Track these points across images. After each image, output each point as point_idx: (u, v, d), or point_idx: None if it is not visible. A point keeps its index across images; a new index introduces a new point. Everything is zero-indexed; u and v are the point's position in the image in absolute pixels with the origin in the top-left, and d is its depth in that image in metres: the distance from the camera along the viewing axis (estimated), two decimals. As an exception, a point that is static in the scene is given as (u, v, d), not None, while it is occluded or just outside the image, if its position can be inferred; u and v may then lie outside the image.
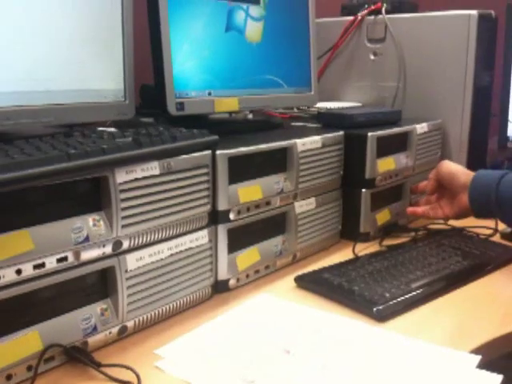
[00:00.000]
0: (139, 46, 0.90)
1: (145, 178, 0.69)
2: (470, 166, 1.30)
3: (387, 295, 0.79)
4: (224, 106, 0.99)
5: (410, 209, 1.12)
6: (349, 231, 1.08)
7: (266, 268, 0.91)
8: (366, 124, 1.11)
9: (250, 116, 1.20)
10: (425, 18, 1.31)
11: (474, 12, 1.24)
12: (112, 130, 0.92)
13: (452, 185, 1.02)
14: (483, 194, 0.94)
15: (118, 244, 0.67)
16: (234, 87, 1.01)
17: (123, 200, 0.67)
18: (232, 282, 0.85)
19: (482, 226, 1.11)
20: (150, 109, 1.06)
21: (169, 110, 0.90)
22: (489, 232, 1.10)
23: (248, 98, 1.03)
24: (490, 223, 1.16)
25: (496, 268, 0.94)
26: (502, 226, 1.14)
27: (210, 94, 0.97)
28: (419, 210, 1.10)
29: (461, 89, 1.27)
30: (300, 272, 0.91)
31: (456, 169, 1.03)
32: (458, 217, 1.04)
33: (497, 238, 1.09)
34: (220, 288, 0.83)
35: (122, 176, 0.67)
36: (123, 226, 0.68)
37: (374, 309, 0.76)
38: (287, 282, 0.89)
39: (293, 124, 1.19)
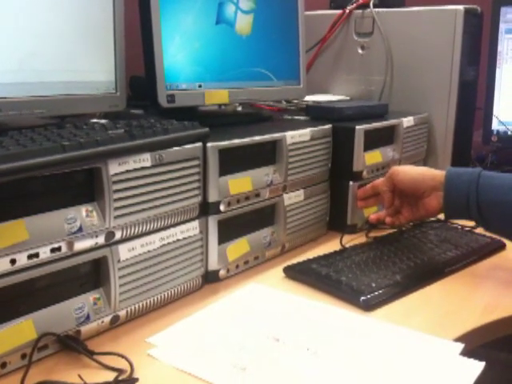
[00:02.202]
0: (129, 38, 0.90)
1: (137, 169, 0.70)
2: (455, 158, 1.32)
3: (373, 285, 0.81)
4: (214, 99, 1.00)
5: (374, 216, 1.05)
6: (336, 223, 1.10)
7: (255, 259, 0.92)
8: (354, 117, 1.13)
9: (240, 108, 1.21)
10: (412, 13, 1.32)
11: (460, 7, 1.26)
12: (103, 121, 0.93)
13: (417, 190, 0.94)
14: (461, 197, 0.87)
15: (110, 234, 0.68)
16: (225, 80, 1.02)
17: (116, 191, 0.68)
18: (222, 273, 0.86)
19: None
20: (140, 100, 1.07)
21: (159, 102, 0.91)
22: (472, 224, 1.12)
23: (238, 91, 1.04)
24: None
25: (479, 259, 0.96)
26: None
27: (200, 86, 0.97)
28: (383, 216, 1.03)
29: (447, 83, 1.29)
30: (289, 263, 0.93)
31: (417, 173, 0.95)
32: (422, 219, 1.00)
33: (480, 230, 1.12)
34: (210, 278, 0.85)
35: (114, 167, 0.67)
36: (116, 217, 0.68)
37: (361, 298, 0.78)
38: (276, 272, 0.91)
39: (282, 117, 1.20)
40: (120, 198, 0.69)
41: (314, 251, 1.00)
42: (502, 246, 1.02)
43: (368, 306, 0.78)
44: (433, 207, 0.93)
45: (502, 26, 1.40)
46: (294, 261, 0.94)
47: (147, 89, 0.93)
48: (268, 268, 0.93)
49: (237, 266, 0.89)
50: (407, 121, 1.21)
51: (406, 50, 1.33)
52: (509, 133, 1.43)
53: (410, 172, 0.97)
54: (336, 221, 1.10)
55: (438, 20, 1.28)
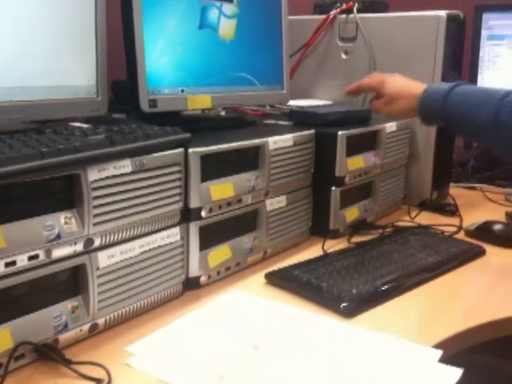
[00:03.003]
0: (111, 41, 0.90)
1: (117, 175, 0.70)
2: (438, 163, 1.33)
3: (354, 292, 0.81)
4: (197, 103, 1.00)
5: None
6: (319, 228, 1.10)
7: (236, 265, 0.92)
8: (337, 122, 1.13)
9: (223, 113, 1.21)
10: (395, 19, 1.33)
11: (442, 13, 1.27)
12: (84, 125, 0.92)
13: (398, 98, 1.06)
14: (431, 112, 0.99)
15: (89, 242, 0.68)
16: (207, 84, 1.02)
17: (95, 198, 0.67)
18: (203, 279, 0.86)
19: (447, 224, 1.15)
20: (122, 104, 1.06)
21: (141, 107, 0.90)
22: (453, 230, 1.14)
23: (221, 96, 1.04)
24: (455, 221, 1.20)
25: (459, 265, 0.97)
26: (465, 224, 1.18)
27: (183, 91, 0.97)
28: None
29: (429, 89, 1.30)
30: (270, 269, 0.93)
31: (402, 86, 1.06)
32: (394, 114, 1.10)
33: (461, 236, 1.13)
34: (191, 285, 0.84)
35: (94, 174, 0.67)
36: (95, 224, 0.68)
37: (341, 305, 0.78)
38: (258, 278, 0.90)
39: (265, 122, 1.20)
40: (99, 205, 0.68)
41: (297, 257, 1.00)
42: (482, 252, 1.03)
43: (348, 313, 0.78)
44: (407, 111, 1.05)
45: (484, 33, 1.42)
46: (276, 267, 0.94)
47: (129, 93, 0.92)
48: (250, 274, 0.93)
49: (218, 273, 0.88)
50: (390, 126, 1.22)
51: (389, 56, 1.34)
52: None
53: (397, 82, 1.08)
54: (319, 226, 1.10)
55: (420, 25, 1.29)
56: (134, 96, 0.90)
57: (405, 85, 1.06)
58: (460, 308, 0.82)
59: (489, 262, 1.01)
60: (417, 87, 1.03)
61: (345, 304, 0.78)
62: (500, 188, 1.48)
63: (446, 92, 0.96)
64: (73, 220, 0.66)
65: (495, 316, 0.79)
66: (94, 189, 0.67)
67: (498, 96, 0.89)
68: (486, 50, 1.42)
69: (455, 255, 0.99)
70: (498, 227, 1.10)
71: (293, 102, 1.32)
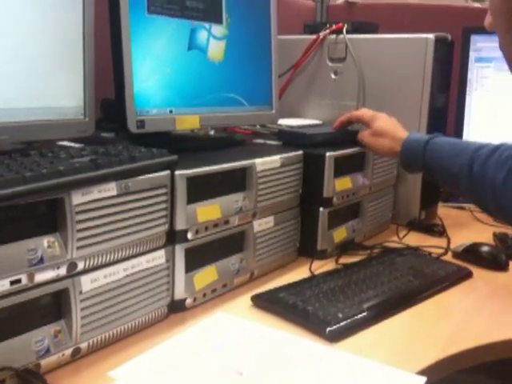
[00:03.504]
0: (101, 59, 0.90)
1: (101, 199, 0.69)
2: (426, 184, 1.34)
3: (340, 316, 0.81)
4: (185, 124, 1.00)
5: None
6: (307, 248, 1.10)
7: (223, 286, 0.92)
8: (325, 143, 1.14)
9: (212, 132, 1.21)
10: (384, 40, 1.34)
11: (431, 36, 1.28)
12: (71, 145, 0.93)
13: (385, 137, 1.09)
14: (412, 161, 1.03)
15: (72, 266, 0.67)
16: (196, 105, 1.02)
17: (79, 221, 0.67)
18: (189, 302, 0.85)
19: (435, 246, 1.15)
20: (112, 123, 1.06)
21: (129, 128, 0.90)
22: (440, 251, 1.14)
23: (209, 116, 1.04)
24: (443, 242, 1.21)
25: (446, 288, 0.97)
26: (453, 245, 1.18)
27: (171, 111, 0.97)
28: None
29: (417, 109, 1.31)
30: (257, 290, 0.93)
31: (388, 126, 1.09)
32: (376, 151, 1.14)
33: (448, 257, 1.13)
34: (176, 307, 0.84)
35: (78, 197, 0.67)
36: (78, 248, 0.67)
37: (327, 329, 0.78)
38: (244, 300, 0.90)
39: (254, 141, 1.20)
40: (83, 229, 0.68)
41: (284, 278, 1.00)
42: (469, 274, 1.03)
43: (334, 337, 0.78)
44: (389, 151, 1.08)
45: (472, 54, 1.43)
46: (263, 288, 0.94)
47: (117, 113, 0.92)
48: (236, 296, 0.92)
49: (204, 295, 0.88)
50: (378, 147, 1.22)
51: (377, 77, 1.35)
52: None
53: (385, 121, 1.11)
54: (306, 246, 1.10)
55: (409, 47, 1.30)
56: (122, 116, 0.90)
57: (391, 126, 1.09)
58: (444, 333, 0.82)
59: (475, 284, 1.01)
60: (400, 132, 1.07)
61: (330, 328, 0.78)
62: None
63: (426, 141, 0.99)
64: (56, 244, 0.66)
65: (478, 342, 0.79)
66: (78, 212, 0.67)
67: (472, 148, 0.92)
68: (474, 72, 1.43)
69: (442, 278, 0.99)
70: (485, 249, 1.10)
71: (282, 121, 1.33)
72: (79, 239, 0.67)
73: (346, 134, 1.20)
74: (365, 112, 1.16)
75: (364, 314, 0.83)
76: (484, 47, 1.41)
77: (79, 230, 0.67)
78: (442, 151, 0.98)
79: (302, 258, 1.10)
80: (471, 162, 0.91)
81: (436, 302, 0.93)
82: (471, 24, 1.52)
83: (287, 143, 1.15)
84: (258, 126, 1.37)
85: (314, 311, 0.82)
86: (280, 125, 1.30)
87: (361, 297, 0.88)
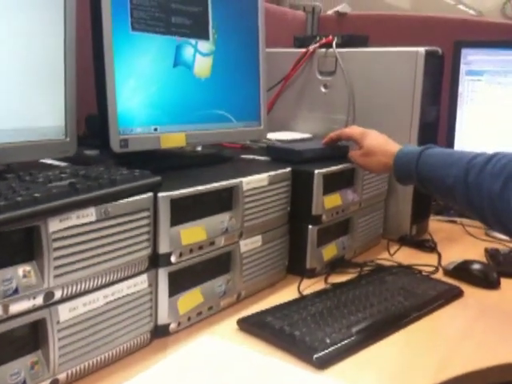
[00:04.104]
0: (86, 73, 0.88)
1: (80, 225, 0.67)
2: (416, 198, 1.32)
3: (328, 341, 0.79)
4: (171, 142, 0.98)
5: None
6: (295, 266, 1.08)
7: (209, 309, 0.90)
8: (314, 159, 1.12)
9: (200, 148, 1.19)
10: (374, 54, 1.33)
11: (421, 49, 1.27)
12: (53, 163, 0.91)
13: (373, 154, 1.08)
14: (405, 174, 1.02)
15: (49, 295, 0.65)
16: (182, 122, 1.00)
17: (56, 249, 0.65)
18: (173, 326, 0.83)
19: (426, 264, 1.13)
20: (96, 139, 1.04)
21: (112, 147, 0.88)
22: (431, 269, 1.12)
23: (196, 133, 1.02)
24: (435, 258, 1.19)
25: (436, 308, 0.95)
26: (445, 261, 1.17)
27: (156, 129, 0.95)
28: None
29: (407, 123, 1.30)
30: (244, 312, 0.91)
31: (379, 144, 1.08)
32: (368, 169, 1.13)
33: (439, 275, 1.11)
34: (160, 333, 0.82)
35: (55, 225, 0.64)
36: (56, 276, 0.65)
37: (314, 356, 0.76)
38: (230, 323, 0.88)
39: (242, 156, 1.18)
40: (61, 257, 0.66)
41: (272, 298, 0.98)
42: (460, 293, 1.02)
43: (321, 364, 0.76)
44: (383, 168, 1.08)
45: (463, 68, 1.42)
46: (251, 309, 0.92)
47: (101, 132, 0.90)
48: (222, 318, 0.90)
49: (189, 319, 0.86)
50: (368, 162, 1.20)
51: (367, 90, 1.33)
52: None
53: (376, 138, 1.10)
54: (295, 264, 1.08)
55: (399, 61, 1.29)
56: (105, 135, 0.88)
57: (381, 142, 1.08)
58: (435, 357, 0.81)
59: (466, 304, 1.00)
60: (392, 146, 1.06)
61: (317, 355, 0.76)
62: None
63: (419, 153, 0.98)
64: (32, 273, 0.64)
65: (468, 368, 0.78)
66: (55, 240, 0.65)
67: (466, 158, 0.91)
68: (465, 85, 1.42)
69: (432, 298, 0.97)
70: (476, 267, 1.09)
71: (272, 135, 1.31)
72: (56, 267, 0.65)
73: (336, 150, 1.19)
74: (354, 130, 1.14)
75: (352, 338, 0.81)
76: (475, 60, 1.40)
77: (56, 258, 0.65)
78: (435, 162, 0.96)
79: (290, 276, 1.08)
80: (466, 172, 0.89)
81: (426, 323, 0.91)
82: (462, 35, 1.51)
83: (276, 159, 1.13)
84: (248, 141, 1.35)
85: (300, 337, 0.80)
86: (269, 139, 1.29)
87: (349, 320, 0.86)
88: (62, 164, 0.93)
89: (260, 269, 1.00)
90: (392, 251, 1.24)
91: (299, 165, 1.07)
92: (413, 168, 0.98)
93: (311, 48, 1.39)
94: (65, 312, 0.67)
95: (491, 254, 1.21)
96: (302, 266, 1.07)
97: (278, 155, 1.15)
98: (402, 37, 1.75)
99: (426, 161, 0.97)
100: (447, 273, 1.11)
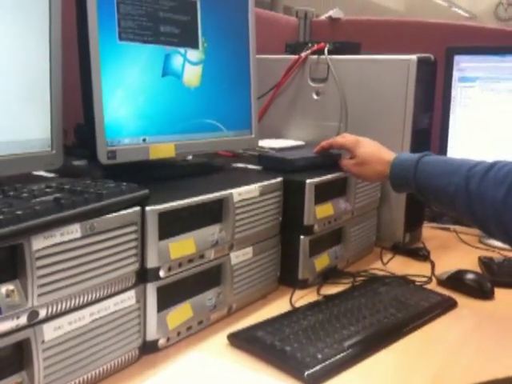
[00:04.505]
0: (75, 82, 0.86)
1: (64, 242, 0.66)
2: (409, 206, 1.31)
3: (319, 356, 0.78)
4: (160, 152, 0.96)
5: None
6: (288, 277, 1.06)
7: (199, 323, 0.88)
8: (306, 168, 1.11)
9: (191, 157, 1.18)
10: (366, 61, 1.32)
11: (413, 57, 1.26)
12: (41, 174, 0.89)
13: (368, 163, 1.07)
14: (403, 182, 1.01)
15: (33, 314, 0.63)
16: (171, 132, 0.99)
17: (40, 267, 0.63)
18: (162, 342, 0.81)
19: (419, 275, 1.12)
20: (85, 149, 1.02)
21: (99, 159, 0.86)
22: (424, 279, 1.11)
23: (185, 143, 1.01)
24: (428, 267, 1.18)
25: (430, 320, 0.94)
26: (438, 270, 1.16)
27: (144, 140, 0.94)
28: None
29: (400, 130, 1.29)
30: (235, 326, 0.89)
31: (372, 152, 1.07)
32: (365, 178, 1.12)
33: (433, 285, 1.10)
34: (148, 349, 0.80)
35: (38, 242, 0.63)
36: (40, 295, 0.64)
37: (306, 373, 0.75)
38: (221, 338, 0.86)
39: (234, 165, 1.17)
40: (45, 275, 0.64)
41: (263, 310, 0.97)
42: (454, 305, 1.01)
43: (313, 381, 0.74)
44: (378, 176, 1.07)
45: (456, 74, 1.41)
46: (242, 323, 0.90)
47: (89, 142, 0.89)
48: (213, 333, 0.88)
49: (178, 334, 0.84)
50: (360, 171, 1.19)
51: (360, 97, 1.32)
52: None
53: (369, 146, 1.09)
54: (287, 275, 1.07)
55: (391, 68, 1.28)
56: (93, 146, 0.87)
57: (375, 150, 1.07)
58: (428, 372, 0.79)
59: (460, 315, 0.99)
60: (386, 154, 1.05)
61: (309, 372, 0.75)
62: (474, 229, 1.46)
63: (416, 161, 0.97)
64: (15, 292, 0.62)
65: (464, 382, 0.76)
66: (39, 258, 0.63)
67: (466, 166, 0.90)
68: (458, 92, 1.41)
69: (425, 309, 0.96)
70: (469, 277, 1.07)
71: (264, 143, 1.30)
72: (40, 286, 0.64)
73: (328, 158, 1.18)
74: (347, 138, 1.13)
75: (345, 353, 0.80)
76: (468, 67, 1.39)
77: (40, 277, 0.63)
78: (434, 170, 0.95)
79: (283, 287, 1.06)
80: (467, 181, 0.89)
81: (420, 336, 0.90)
82: (455, 40, 1.51)
83: (268, 168, 1.12)
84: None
85: (292, 352, 0.78)
86: (261, 147, 1.27)
87: (342, 334, 0.85)
88: (50, 175, 0.91)
89: (251, 281, 0.98)
90: (385, 260, 1.23)
91: (291, 174, 1.06)
92: (411, 176, 0.97)
93: (303, 55, 1.37)
94: (50, 331, 0.65)
95: (485, 262, 1.20)
96: (294, 276, 1.06)
97: (270, 164, 1.14)
98: (395, 42, 1.74)
99: (424, 169, 0.97)
100: (441, 283, 1.10)
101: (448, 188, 0.91)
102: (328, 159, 1.18)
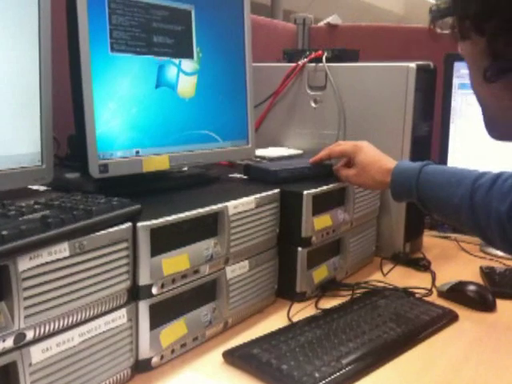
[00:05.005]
0: (68, 92, 0.85)
1: (52, 261, 0.64)
2: (409, 215, 1.29)
3: (317, 375, 0.76)
4: (153, 165, 0.95)
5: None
6: (285, 290, 1.04)
7: (193, 340, 0.86)
8: (292, 179, 1.08)
9: (186, 168, 1.16)
10: (364, 69, 1.30)
11: (412, 64, 1.24)
12: (31, 187, 0.87)
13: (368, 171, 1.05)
14: (404, 191, 0.99)
15: (20, 336, 0.61)
16: (165, 144, 0.97)
17: (26, 289, 0.61)
18: (155, 360, 0.79)
19: (419, 287, 1.10)
20: (78, 160, 1.01)
21: (90, 173, 0.85)
22: (424, 292, 1.09)
23: (180, 155, 0.99)
24: (429, 278, 1.16)
25: (430, 334, 0.92)
26: (439, 280, 1.14)
27: (137, 152, 0.92)
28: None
29: (399, 139, 1.27)
30: (231, 342, 0.87)
31: (373, 159, 1.05)
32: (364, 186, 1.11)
33: (433, 296, 1.08)
34: (141, 368, 0.78)
35: (25, 263, 0.61)
36: (26, 316, 0.62)
37: (302, 393, 0.73)
38: (216, 355, 0.84)
39: (230, 176, 1.15)
40: (31, 296, 0.62)
41: (260, 325, 0.95)
42: (455, 318, 0.99)
43: (309, 401, 0.72)
44: (379, 184, 1.05)
45: (456, 81, 1.39)
46: (238, 338, 0.89)
47: (81, 155, 0.87)
48: (208, 350, 0.86)
49: (172, 351, 0.82)
50: (359, 180, 1.17)
51: (358, 105, 1.31)
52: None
53: (369, 153, 1.07)
54: (285, 288, 1.05)
55: (390, 76, 1.26)
56: (85, 160, 0.85)
57: (375, 158, 1.05)
58: (429, 390, 0.77)
59: (461, 329, 0.96)
60: (387, 162, 1.03)
61: (305, 391, 0.73)
62: (474, 238, 1.44)
63: (418, 170, 0.95)
64: (1, 314, 0.60)
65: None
66: (25, 279, 0.61)
67: (471, 177, 0.88)
68: (458, 99, 1.39)
69: (426, 323, 0.94)
70: (471, 288, 1.05)
71: (261, 152, 1.28)
72: (27, 307, 0.62)
73: (317, 168, 1.15)
74: (345, 147, 1.11)
75: (342, 371, 0.78)
76: (468, 74, 1.37)
77: (27, 298, 0.62)
78: (437, 181, 0.93)
79: (280, 300, 1.04)
80: (472, 192, 0.86)
81: (420, 351, 0.88)
82: (453, 46, 1.48)
83: (254, 179, 1.10)
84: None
85: (288, 371, 0.76)
86: (259, 156, 1.26)
87: (340, 350, 0.82)
88: (41, 188, 0.90)
89: (248, 295, 0.96)
90: (385, 270, 1.21)
91: (277, 184, 1.03)
92: (413, 186, 0.95)
93: (301, 62, 1.36)
94: (37, 354, 0.63)
95: (486, 273, 1.17)
96: (292, 289, 1.04)
97: (255, 175, 1.11)
98: (394, 48, 1.73)
99: (427, 179, 0.94)
100: (441, 294, 1.08)
101: (452, 199, 0.89)
102: (317, 169, 1.15)
